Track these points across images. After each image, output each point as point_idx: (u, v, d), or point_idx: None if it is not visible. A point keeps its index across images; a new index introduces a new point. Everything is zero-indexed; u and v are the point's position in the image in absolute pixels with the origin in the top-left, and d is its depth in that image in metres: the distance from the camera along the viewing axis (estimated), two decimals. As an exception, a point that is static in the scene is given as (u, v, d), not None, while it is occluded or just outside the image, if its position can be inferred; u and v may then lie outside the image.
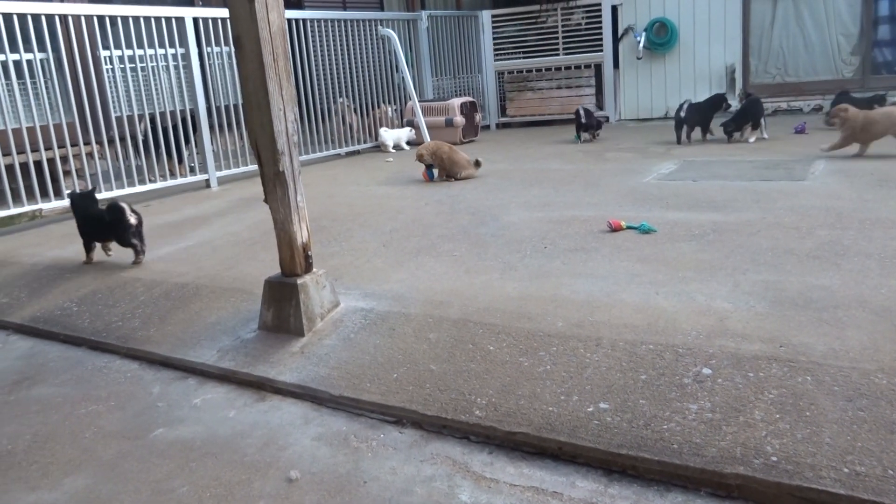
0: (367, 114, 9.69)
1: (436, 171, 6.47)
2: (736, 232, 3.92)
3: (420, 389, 2.55)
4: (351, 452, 2.32)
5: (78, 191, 4.77)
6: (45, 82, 6.54)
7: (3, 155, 5.85)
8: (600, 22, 10.76)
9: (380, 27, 9.75)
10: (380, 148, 9.46)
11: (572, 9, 11.08)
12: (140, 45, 6.91)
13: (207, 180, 7.45)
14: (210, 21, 7.47)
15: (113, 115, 6.98)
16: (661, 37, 10.33)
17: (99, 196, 4.89)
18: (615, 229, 4.17)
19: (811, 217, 4.11)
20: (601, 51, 10.80)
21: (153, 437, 2.50)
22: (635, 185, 5.62)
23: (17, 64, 6.11)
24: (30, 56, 6.16)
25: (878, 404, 2.09)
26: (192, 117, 7.41)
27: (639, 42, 10.46)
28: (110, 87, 7.18)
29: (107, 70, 7.73)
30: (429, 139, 9.07)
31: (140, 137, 7.13)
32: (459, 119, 9.52)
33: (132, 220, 4.31)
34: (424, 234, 4.55)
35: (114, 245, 4.53)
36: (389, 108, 10.01)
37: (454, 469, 2.18)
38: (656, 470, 2.03)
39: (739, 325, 2.68)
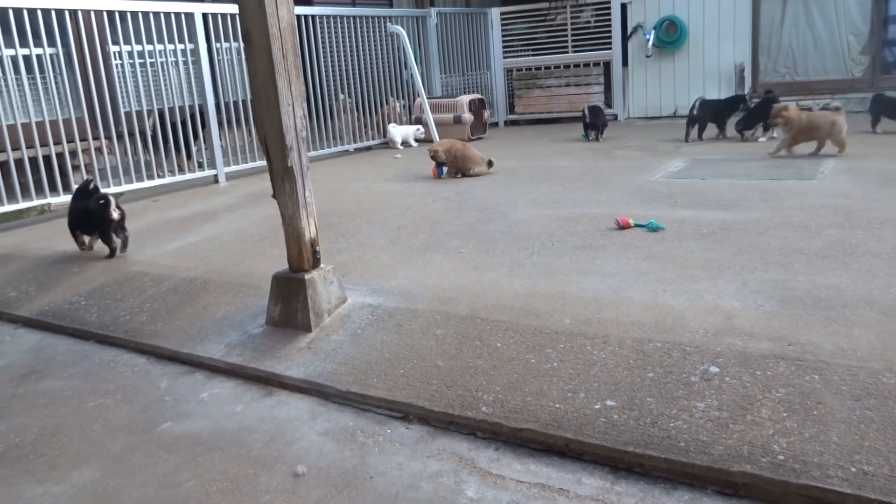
0: (376, 111, 9.70)
1: (445, 169, 6.47)
2: (744, 231, 3.91)
3: (427, 385, 2.55)
4: (357, 447, 2.32)
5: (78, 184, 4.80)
6: (55, 77, 6.56)
7: (13, 149, 5.88)
8: (609, 20, 10.72)
9: (389, 24, 9.74)
10: (388, 145, 9.46)
11: (581, 6, 11.04)
12: (149, 41, 6.93)
13: (216, 176, 7.47)
14: (219, 17, 7.48)
15: (122, 111, 7.00)
16: (671, 35, 10.28)
17: (106, 190, 4.92)
18: (623, 227, 4.16)
19: (820, 216, 4.09)
20: (610, 48, 10.76)
21: (160, 431, 2.51)
22: (643, 182, 5.60)
23: (28, 59, 6.14)
24: (40, 51, 6.19)
25: (885, 404, 2.08)
26: (201, 113, 7.43)
27: (648, 40, 10.42)
28: (119, 83, 7.20)
29: (116, 65, 7.76)
30: (437, 136, 9.07)
31: (149, 133, 7.15)
32: (468, 116, 9.51)
33: (115, 214, 4.41)
34: (432, 230, 4.55)
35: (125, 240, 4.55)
36: (398, 105, 10.01)
37: (460, 465, 2.18)
38: (663, 468, 2.02)
39: (747, 323, 2.67)
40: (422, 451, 2.27)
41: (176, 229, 5.24)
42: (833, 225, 3.89)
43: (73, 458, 2.38)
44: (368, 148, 9.50)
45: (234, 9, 7.22)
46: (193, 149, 7.56)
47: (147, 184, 6.89)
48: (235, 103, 7.88)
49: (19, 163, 5.92)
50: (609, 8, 10.67)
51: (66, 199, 6.09)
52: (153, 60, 7.24)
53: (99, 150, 6.76)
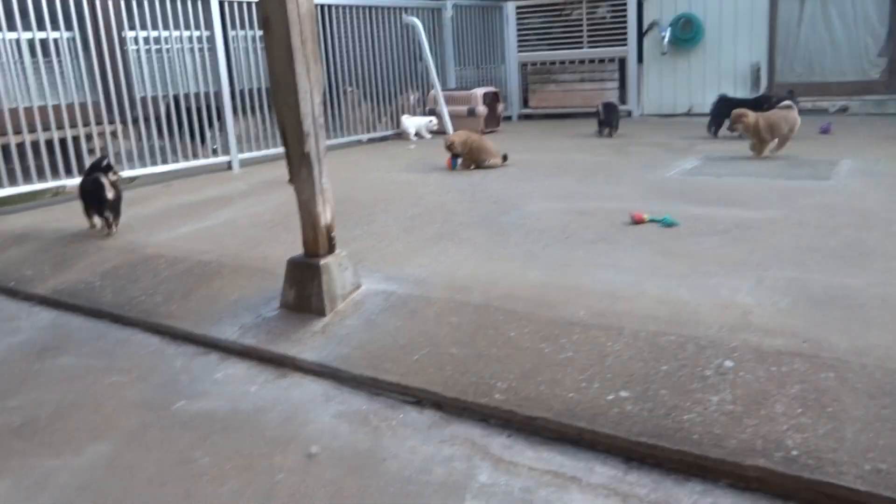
0: (390, 102, 9.70)
1: (459, 160, 6.46)
2: (759, 228, 3.90)
3: (440, 371, 2.56)
4: (371, 431, 2.34)
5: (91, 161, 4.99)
6: (71, 61, 6.58)
7: (29, 132, 5.92)
8: (625, 16, 10.66)
9: (404, 15, 9.73)
10: (401, 136, 9.46)
11: (598, 2, 10.99)
12: (165, 27, 6.95)
13: (230, 162, 7.49)
14: (235, 4, 7.49)
15: (137, 96, 7.02)
16: (687, 32, 10.23)
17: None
18: (637, 222, 4.15)
19: (836, 216, 4.08)
20: (625, 45, 10.71)
21: (175, 409, 2.53)
22: (658, 179, 5.59)
23: (44, 42, 6.17)
24: (56, 35, 6.22)
25: (902, 402, 2.08)
26: (216, 100, 7.44)
27: (664, 37, 10.37)
28: (134, 68, 7.23)
29: (132, 51, 7.78)
30: (451, 128, 9.07)
31: (163, 118, 7.18)
32: (482, 109, 9.49)
33: (109, 195, 4.55)
34: (446, 220, 4.55)
35: (138, 224, 4.58)
36: (412, 96, 10.00)
37: (473, 450, 2.19)
38: (676, 459, 2.03)
39: (763, 319, 2.66)
40: (434, 436, 2.29)
41: (190, 214, 5.26)
42: (849, 225, 3.87)
43: (89, 433, 2.40)
44: (383, 138, 9.51)
45: (252, -5, 7.27)
46: (208, 135, 7.58)
47: (161, 168, 6.92)
48: (250, 91, 7.91)
49: (35, 145, 5.95)
50: (625, 4, 10.62)
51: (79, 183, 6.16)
52: (168, 46, 7.26)
53: (113, 134, 6.79)
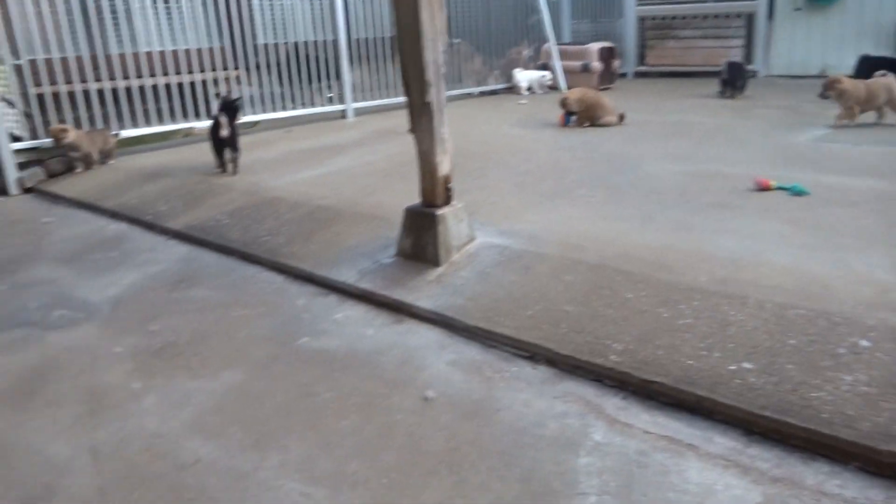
0: (502, 55, 9.57)
1: (573, 118, 6.33)
2: (901, 202, 3.63)
3: (555, 329, 2.56)
4: (484, 381, 2.38)
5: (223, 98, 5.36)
6: (199, 8, 6.84)
7: (163, 75, 6.24)
8: (759, -32, 9.99)
9: (522, -35, 9.51)
10: (513, 90, 9.34)
11: (728, -48, 10.34)
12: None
13: (344, 111, 7.65)
14: (357, -48, 7.55)
15: (260, 43, 7.24)
16: (827, -13, 9.48)
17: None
18: (763, 188, 3.95)
19: None
20: (755, -1, 10.07)
21: (299, 345, 2.67)
22: (786, 144, 5.28)
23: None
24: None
25: None
26: (334, 49, 7.57)
27: (801, -9, 9.66)
28: (257, 16, 7.44)
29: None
30: (564, 84, 8.88)
31: (283, 66, 7.38)
32: (597, 65, 9.22)
33: (224, 132, 4.91)
34: (559, 177, 4.50)
35: (261, 167, 4.77)
36: (525, 50, 9.82)
37: (587, 409, 2.20)
38: (801, 437, 1.96)
39: (903, 298, 2.50)
40: (548, 392, 2.30)
41: (308, 159, 5.43)
42: None
43: (222, 360, 2.57)
44: (493, 92, 9.43)
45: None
46: (324, 83, 7.75)
47: (280, 114, 7.16)
48: (366, 40, 7.99)
49: (168, 88, 6.28)
50: (760, -45, 9.94)
51: (207, 124, 6.46)
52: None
53: (237, 79, 7.06)
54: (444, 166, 3.16)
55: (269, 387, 2.37)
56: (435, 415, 2.18)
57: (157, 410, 2.25)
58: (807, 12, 9.75)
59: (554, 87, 9.13)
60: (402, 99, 6.55)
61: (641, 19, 11.07)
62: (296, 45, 7.40)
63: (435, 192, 3.16)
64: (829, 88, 5.79)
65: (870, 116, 5.78)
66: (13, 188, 5.35)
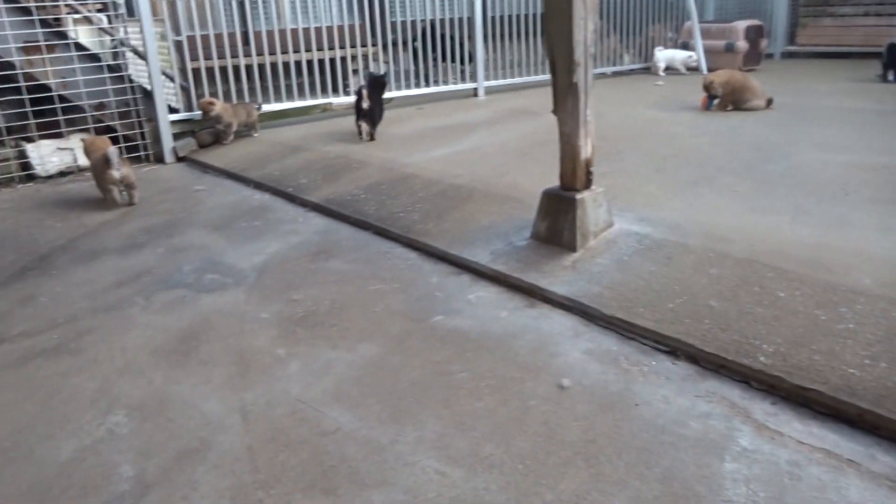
0: (639, 33, 9.21)
1: (716, 101, 6.01)
2: None
3: (698, 324, 2.44)
4: (621, 373, 2.31)
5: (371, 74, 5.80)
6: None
7: (306, 51, 6.46)
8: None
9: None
10: (649, 70, 8.99)
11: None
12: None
13: (475, 89, 7.64)
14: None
15: (398, 20, 7.35)
16: None
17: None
18: (937, 184, 3.59)
19: None
20: (931, -27, 9.11)
21: (433, 323, 2.69)
22: (963, 136, 4.78)
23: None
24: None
25: None
26: (469, 26, 7.56)
27: None
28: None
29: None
30: (705, 65, 8.45)
31: (418, 43, 7.46)
32: (742, 44, 8.69)
33: (364, 105, 5.37)
34: (701, 164, 4.28)
35: (396, 143, 4.85)
36: (665, 29, 9.41)
37: (732, 411, 2.08)
38: (983, 462, 1.77)
39: None
40: (689, 389, 2.20)
41: (441, 137, 5.47)
42: None
43: (359, 332, 2.64)
44: (629, 72, 9.11)
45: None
46: (458, 61, 7.77)
47: (412, 91, 7.24)
48: (501, 18, 7.92)
49: (309, 64, 6.50)
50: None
51: (344, 100, 6.65)
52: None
53: (374, 56, 7.20)
54: (586, 150, 3.07)
55: (404, 362, 2.41)
56: (570, 404, 2.14)
57: (300, 377, 2.34)
58: None
59: (693, 69, 8.70)
60: (533, 78, 6.56)
61: (795, -5, 10.33)
62: (431, 22, 7.45)
63: (575, 175, 3.09)
64: None
65: None
66: (168, 157, 5.74)
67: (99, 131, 5.46)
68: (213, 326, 2.74)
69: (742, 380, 2.22)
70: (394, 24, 7.17)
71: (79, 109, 5.43)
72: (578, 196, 3.07)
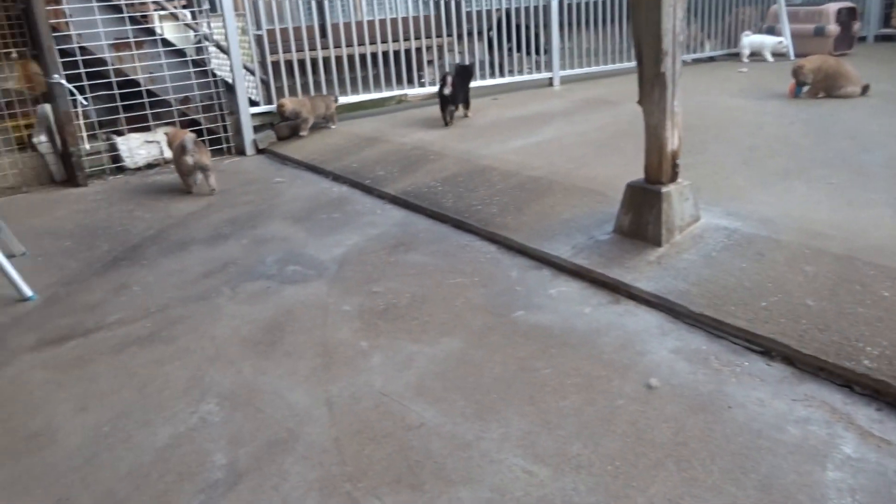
0: (721, 18, 8.88)
1: (805, 88, 5.73)
2: None
3: (794, 324, 2.33)
4: (712, 373, 2.23)
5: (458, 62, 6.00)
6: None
7: (382, 42, 6.50)
8: None
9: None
10: (736, 56, 8.64)
11: None
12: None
13: (551, 79, 7.53)
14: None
15: (469, 10, 7.30)
16: None
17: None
18: None
19: None
20: None
21: (514, 318, 2.66)
22: None
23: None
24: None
25: None
26: (544, 15, 7.45)
27: None
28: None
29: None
30: (792, 51, 8.08)
31: (492, 33, 7.40)
32: (833, 28, 8.26)
33: (446, 91, 5.58)
34: (792, 155, 4.09)
35: (472, 135, 4.83)
36: (751, 12, 9.04)
37: (833, 417, 1.98)
38: None
39: None
40: (786, 392, 2.11)
41: (517, 128, 5.41)
42: None
43: (441, 326, 2.64)
44: (710, 59, 8.81)
45: None
46: (533, 50, 7.67)
47: (487, 82, 7.19)
48: (577, 5, 7.77)
49: (384, 56, 6.54)
50: None
51: (420, 91, 6.67)
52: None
53: (448, 47, 7.19)
54: (673, 142, 2.98)
55: (486, 357, 2.40)
56: (659, 404, 2.08)
57: (383, 370, 2.36)
58: None
59: (781, 55, 8.34)
60: (609, 67, 6.40)
61: (892, -26, 9.74)
62: (507, 11, 7.37)
63: (661, 168, 2.99)
64: None
65: None
66: (249, 149, 5.88)
67: (183, 124, 5.65)
68: (296, 318, 2.79)
69: (843, 384, 2.11)
70: (468, 14, 7.12)
71: (165, 103, 5.62)
72: (664, 189, 2.98)
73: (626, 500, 1.71)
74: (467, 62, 6.62)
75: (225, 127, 5.87)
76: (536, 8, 7.52)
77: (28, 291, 3.15)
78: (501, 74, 7.32)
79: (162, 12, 6.08)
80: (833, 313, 2.35)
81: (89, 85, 5.17)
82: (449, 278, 3.06)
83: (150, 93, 5.53)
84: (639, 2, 2.91)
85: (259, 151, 5.91)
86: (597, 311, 2.68)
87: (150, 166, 5.63)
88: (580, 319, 2.62)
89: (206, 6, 5.68)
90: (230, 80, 5.75)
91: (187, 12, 6.10)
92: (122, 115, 5.46)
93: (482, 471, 1.84)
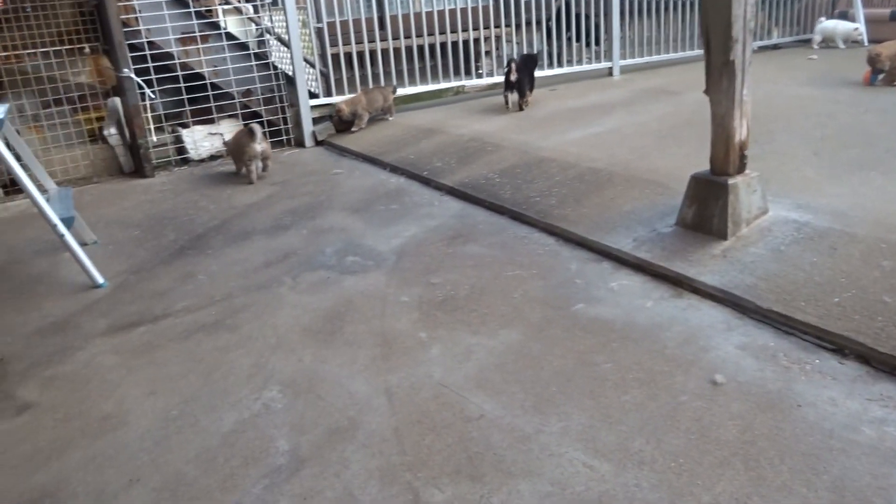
0: (790, 4, 8.57)
1: (881, 76, 5.48)
2: None
3: (870, 321, 2.24)
4: (780, 371, 2.16)
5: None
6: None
7: (440, 33, 6.50)
8: None
9: None
10: (807, 43, 8.33)
11: None
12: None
13: (610, 68, 7.40)
14: None
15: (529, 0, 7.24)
16: None
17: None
18: None
19: None
20: None
21: (574, 311, 2.63)
22: None
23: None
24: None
25: None
26: (605, 4, 7.31)
27: None
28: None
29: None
30: (867, 36, 7.74)
31: (551, 23, 7.30)
32: (911, 12, 7.88)
33: (512, 77, 5.76)
34: (867, 145, 3.93)
35: (530, 126, 4.78)
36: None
37: (912, 419, 1.90)
38: None
39: None
40: (860, 392, 2.03)
41: (575, 119, 5.34)
42: None
43: (499, 318, 2.62)
44: (775, 46, 8.51)
45: None
46: (593, 39, 7.55)
47: (545, 72, 7.11)
48: (639, -7, 7.62)
49: (442, 47, 6.53)
50: None
51: (477, 82, 6.65)
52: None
53: (507, 37, 7.13)
54: (741, 132, 2.89)
55: (546, 350, 2.38)
56: (725, 401, 2.03)
57: (442, 361, 2.36)
58: None
59: (856, 42, 8.00)
60: (669, 56, 6.24)
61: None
62: (567, 1, 7.27)
63: (728, 159, 2.91)
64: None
65: None
66: (308, 141, 5.96)
67: (245, 117, 5.76)
68: (356, 308, 2.82)
69: (923, 385, 2.02)
70: (527, 3, 7.04)
71: (228, 96, 5.74)
72: (731, 181, 2.89)
73: (691, 498, 1.67)
74: (534, 51, 6.84)
75: (285, 119, 5.97)
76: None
77: (99, 279, 3.27)
78: (560, 65, 7.23)
79: (226, 6, 6.21)
80: (912, 311, 2.25)
81: (156, 79, 5.32)
82: (507, 270, 3.04)
83: (213, 86, 5.65)
84: (707, -13, 2.82)
85: (317, 143, 5.99)
86: (659, 305, 2.62)
87: (213, 158, 5.76)
88: (642, 313, 2.57)
89: (268, 0, 5.78)
90: (290, 73, 5.84)
91: (250, 6, 6.21)
92: (187, 108, 5.61)
93: (542, 464, 1.83)
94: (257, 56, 5.81)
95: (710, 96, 2.93)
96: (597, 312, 2.60)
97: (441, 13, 6.54)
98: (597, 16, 7.38)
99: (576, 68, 7.28)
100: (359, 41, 6.18)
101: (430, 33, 6.51)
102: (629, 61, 7.57)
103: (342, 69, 6.16)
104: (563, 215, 3.46)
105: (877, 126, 4.32)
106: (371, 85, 6.26)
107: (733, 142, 2.89)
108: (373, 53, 6.28)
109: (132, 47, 5.20)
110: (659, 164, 3.92)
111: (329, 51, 6.05)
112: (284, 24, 5.67)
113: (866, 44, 7.68)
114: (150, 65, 5.27)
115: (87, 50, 5.36)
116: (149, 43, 5.33)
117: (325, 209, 4.16)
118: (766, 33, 8.59)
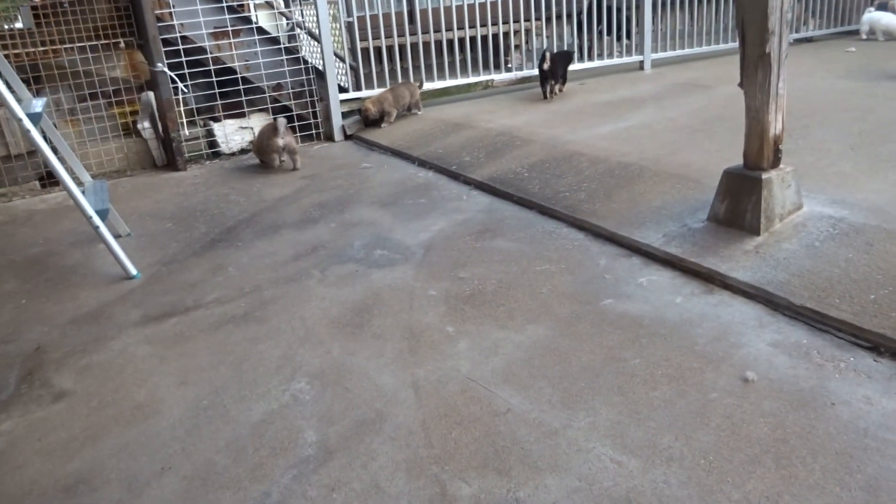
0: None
1: (921, 67, 5.36)
2: None
3: (907, 319, 2.19)
4: (814, 368, 2.12)
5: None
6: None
7: (469, 27, 6.48)
8: None
9: None
10: (847, 35, 8.14)
11: None
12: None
13: (641, 62, 7.31)
14: None
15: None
16: None
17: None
18: None
19: None
20: None
21: (603, 306, 2.61)
22: None
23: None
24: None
25: None
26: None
27: None
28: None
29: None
30: (905, 28, 7.55)
31: (582, 16, 7.24)
32: (953, 3, 7.67)
33: (545, 66, 5.95)
34: (907, 140, 3.83)
35: (559, 120, 4.74)
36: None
37: (950, 419, 1.85)
38: None
39: None
40: (895, 390, 1.98)
41: (605, 113, 5.29)
42: None
43: (527, 313, 2.62)
44: (809, 39, 8.34)
45: None
46: (624, 33, 7.47)
47: (575, 66, 7.04)
48: (671, -14, 7.51)
49: (472, 41, 6.51)
50: None
51: (506, 76, 6.62)
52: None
53: (536, 31, 7.09)
54: (776, 126, 2.84)
55: (573, 346, 2.36)
56: (756, 399, 2.00)
57: (469, 355, 2.36)
58: None
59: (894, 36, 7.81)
60: (701, 49, 6.17)
61: None
62: (597, -6, 7.20)
63: (762, 153, 2.86)
64: None
65: None
66: (338, 135, 5.99)
67: (275, 111, 5.81)
68: (383, 301, 2.83)
69: (962, 385, 1.97)
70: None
71: (258, 90, 5.79)
72: (765, 176, 2.85)
73: (721, 496, 1.66)
74: (569, 48, 6.96)
75: (315, 113, 6.00)
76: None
77: (133, 270, 3.32)
78: (590, 58, 7.17)
79: (258, 1, 6.25)
80: (951, 309, 2.19)
81: (189, 73, 5.39)
82: (535, 265, 3.03)
83: (244, 80, 5.71)
84: (741, -22, 2.78)
85: (347, 137, 6.02)
86: (689, 301, 2.59)
87: (243, 151, 5.82)
88: (671, 309, 2.54)
89: (298, -6, 5.82)
90: (321, 67, 5.87)
91: (281, 1, 6.26)
92: (218, 102, 5.67)
93: (569, 459, 1.82)
94: (288, 50, 5.86)
95: (744, 89, 2.89)
96: (626, 308, 2.58)
97: (471, 7, 6.51)
98: (628, 9, 7.30)
99: (606, 62, 7.22)
100: (388, 35, 6.19)
101: (460, 27, 6.49)
102: (660, 55, 7.48)
103: (371, 63, 6.17)
104: (593, 210, 3.44)
105: (917, 120, 4.22)
106: (400, 79, 6.27)
107: (768, 136, 2.84)
108: (402, 48, 6.28)
109: (166, 42, 5.27)
110: (690, 158, 3.87)
111: (359, 45, 6.07)
112: (315, 18, 5.70)
113: (907, 36, 7.49)
114: (183, 59, 5.34)
115: (121, 45, 5.44)
116: (182, 37, 5.40)
117: (353, 203, 4.18)
118: (803, 25, 8.42)
